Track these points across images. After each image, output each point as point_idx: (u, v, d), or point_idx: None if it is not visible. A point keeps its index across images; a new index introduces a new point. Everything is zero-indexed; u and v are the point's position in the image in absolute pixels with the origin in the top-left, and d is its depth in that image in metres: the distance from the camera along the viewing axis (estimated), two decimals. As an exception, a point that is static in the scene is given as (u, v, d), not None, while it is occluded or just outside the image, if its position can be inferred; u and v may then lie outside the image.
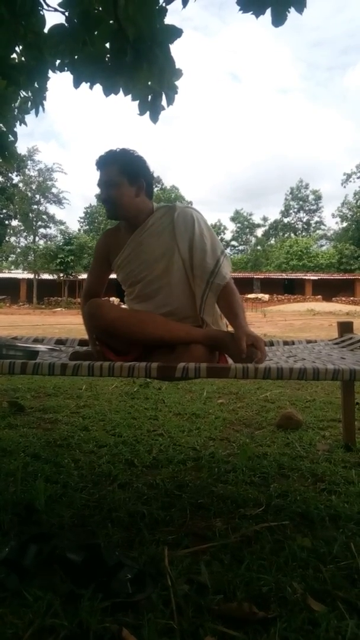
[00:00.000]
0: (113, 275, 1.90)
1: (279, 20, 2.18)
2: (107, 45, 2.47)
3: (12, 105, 3.30)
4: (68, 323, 14.47)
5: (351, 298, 37.29)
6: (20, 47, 2.86)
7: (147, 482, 1.79)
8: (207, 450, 2.18)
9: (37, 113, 3.29)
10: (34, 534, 1.29)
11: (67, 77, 2.51)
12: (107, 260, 1.87)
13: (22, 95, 3.27)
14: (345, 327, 2.32)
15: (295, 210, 60.93)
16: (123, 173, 1.68)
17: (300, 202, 60.31)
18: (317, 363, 1.59)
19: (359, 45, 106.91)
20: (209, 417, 2.81)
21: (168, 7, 2.29)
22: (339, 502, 1.61)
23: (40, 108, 3.24)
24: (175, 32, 2.36)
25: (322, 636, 0.95)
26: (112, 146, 1.80)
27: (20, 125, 3.50)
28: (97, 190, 1.80)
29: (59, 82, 3.85)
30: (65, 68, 2.65)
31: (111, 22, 2.36)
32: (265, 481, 1.82)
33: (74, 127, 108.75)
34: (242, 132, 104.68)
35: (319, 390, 3.68)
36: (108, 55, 2.52)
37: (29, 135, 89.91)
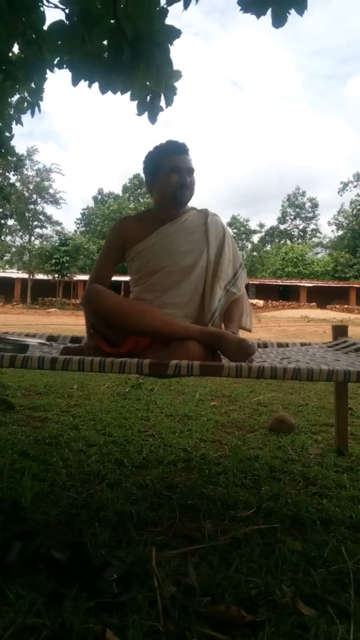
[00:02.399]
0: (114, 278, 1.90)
1: (279, 21, 2.17)
2: (105, 43, 2.46)
3: (9, 100, 3.29)
4: (62, 323, 14.42)
5: (345, 306, 37.42)
6: (19, 43, 2.85)
7: (137, 482, 1.77)
8: (198, 452, 2.15)
9: (32, 113, 3.28)
10: (19, 532, 1.25)
11: (67, 78, 2.49)
12: (121, 248, 1.84)
13: (18, 95, 3.26)
14: (339, 331, 2.31)
15: (292, 217, 61.16)
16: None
17: (297, 210, 60.54)
18: (311, 364, 1.57)
19: (358, 55, 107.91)
20: (200, 419, 2.79)
21: (169, 8, 2.29)
22: (330, 505, 1.59)
23: (37, 109, 3.23)
24: (174, 33, 2.35)
25: (312, 641, 0.92)
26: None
27: (16, 124, 3.50)
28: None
29: (59, 83, 3.84)
30: (64, 66, 2.64)
31: (111, 20, 2.35)
32: (256, 484, 1.80)
33: (73, 129, 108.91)
34: (243, 139, 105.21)
35: (312, 395, 3.67)
36: (106, 54, 2.51)
37: (27, 136, 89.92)
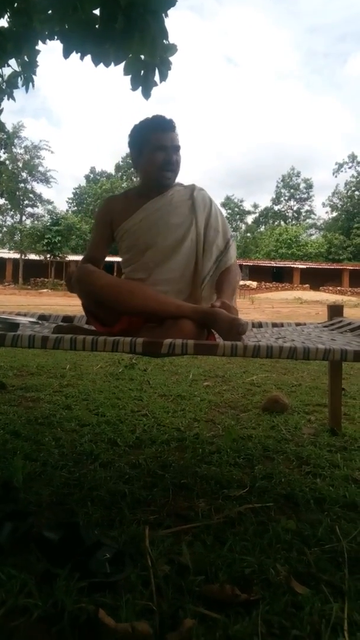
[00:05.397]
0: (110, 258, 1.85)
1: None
2: (98, 13, 2.37)
3: (-2, 74, 3.19)
4: (54, 304, 14.31)
5: (338, 287, 37.53)
6: (8, 13, 2.75)
7: (130, 461, 1.76)
8: (192, 431, 2.14)
9: (27, 89, 3.18)
10: (10, 512, 1.24)
11: (59, 53, 2.40)
12: (109, 227, 1.82)
13: (11, 69, 3.15)
14: (335, 311, 2.29)
15: (286, 198, 60.80)
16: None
17: (291, 190, 60.15)
18: (307, 343, 1.55)
19: (356, 33, 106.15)
20: (194, 399, 2.78)
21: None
22: (324, 485, 1.59)
23: (31, 84, 3.14)
24: (169, 0, 2.26)
25: (306, 619, 0.92)
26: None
27: (8, 99, 3.39)
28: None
29: (51, 59, 3.72)
30: (55, 37, 2.55)
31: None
32: (250, 463, 1.79)
33: (65, 106, 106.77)
34: (238, 117, 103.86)
35: (305, 376, 3.67)
36: (99, 24, 2.42)
37: (19, 112, 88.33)
